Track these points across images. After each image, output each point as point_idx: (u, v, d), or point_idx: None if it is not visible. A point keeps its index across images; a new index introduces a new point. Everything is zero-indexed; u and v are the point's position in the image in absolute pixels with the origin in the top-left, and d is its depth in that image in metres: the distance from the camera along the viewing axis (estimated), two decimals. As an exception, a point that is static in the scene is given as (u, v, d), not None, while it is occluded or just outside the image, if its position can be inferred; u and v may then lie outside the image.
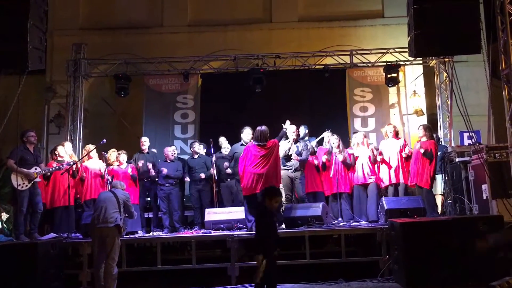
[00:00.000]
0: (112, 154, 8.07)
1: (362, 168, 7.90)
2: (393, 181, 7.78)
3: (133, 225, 7.55)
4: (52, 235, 7.17)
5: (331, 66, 9.95)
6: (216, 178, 8.14)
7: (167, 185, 8.13)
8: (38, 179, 7.01)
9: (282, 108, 9.83)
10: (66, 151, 7.99)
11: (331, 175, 7.97)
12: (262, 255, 4.24)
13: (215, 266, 6.77)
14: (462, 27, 6.02)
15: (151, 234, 7.85)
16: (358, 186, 7.92)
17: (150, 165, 8.26)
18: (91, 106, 11.21)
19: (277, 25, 11.42)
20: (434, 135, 8.45)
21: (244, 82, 9.78)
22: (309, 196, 8.06)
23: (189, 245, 7.48)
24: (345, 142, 8.75)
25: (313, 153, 8.25)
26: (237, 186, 7.98)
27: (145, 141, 8.71)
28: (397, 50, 9.82)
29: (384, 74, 10.02)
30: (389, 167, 7.82)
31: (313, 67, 10.04)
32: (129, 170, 7.96)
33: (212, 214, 7.69)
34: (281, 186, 7.72)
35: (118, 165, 8.06)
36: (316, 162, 8.11)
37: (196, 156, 8.47)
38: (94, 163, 8.01)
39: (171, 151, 8.45)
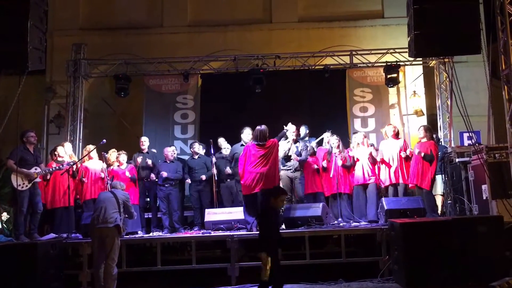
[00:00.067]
0: (112, 154, 8.08)
1: (362, 169, 7.90)
2: (393, 181, 7.78)
3: (133, 225, 7.55)
4: (52, 235, 7.17)
5: (331, 67, 9.95)
6: (216, 178, 8.14)
7: (166, 185, 8.13)
8: (38, 180, 7.01)
9: (282, 108, 9.83)
10: (66, 152, 7.99)
11: (331, 176, 7.97)
12: (266, 253, 4.25)
13: (215, 266, 6.76)
14: (462, 27, 6.03)
15: (151, 234, 7.85)
16: (358, 187, 7.92)
17: (149, 161, 8.27)
18: (91, 106, 11.21)
19: (277, 25, 11.42)
20: (434, 136, 8.45)
21: (244, 82, 9.78)
22: (309, 197, 8.05)
23: (189, 246, 7.49)
24: (345, 142, 8.75)
25: (313, 153, 8.24)
26: (237, 186, 7.98)
27: (145, 141, 8.71)
28: (397, 50, 9.82)
29: (384, 74, 10.02)
30: (389, 167, 7.82)
31: (313, 67, 10.05)
32: (127, 174, 7.91)
33: (212, 215, 7.69)
34: (281, 186, 7.73)
35: (118, 166, 8.06)
36: (316, 166, 8.09)
37: (196, 157, 8.47)
38: (94, 164, 8.01)
39: (170, 151, 8.45)
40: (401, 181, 7.76)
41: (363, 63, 10.04)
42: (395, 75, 9.84)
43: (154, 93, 10.70)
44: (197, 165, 8.36)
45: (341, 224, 7.56)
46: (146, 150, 8.64)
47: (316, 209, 7.32)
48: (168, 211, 8.11)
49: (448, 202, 8.10)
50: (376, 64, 10.07)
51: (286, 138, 7.73)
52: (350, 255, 6.84)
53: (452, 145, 9.41)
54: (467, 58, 9.69)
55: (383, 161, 7.87)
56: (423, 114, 10.83)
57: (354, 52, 10.05)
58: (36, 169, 6.95)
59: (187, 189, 8.63)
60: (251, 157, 7.04)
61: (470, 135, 6.68)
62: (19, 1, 5.75)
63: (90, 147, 8.14)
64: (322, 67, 9.92)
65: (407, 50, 7.25)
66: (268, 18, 11.58)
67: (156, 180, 8.20)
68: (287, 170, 7.75)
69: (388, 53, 9.97)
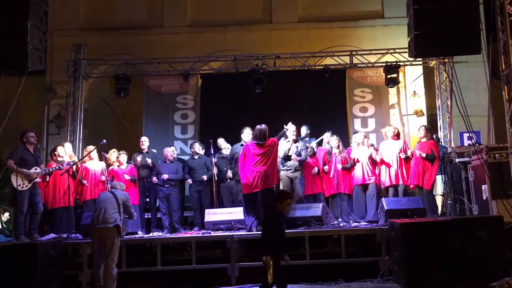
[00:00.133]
0: (112, 154, 8.07)
1: (362, 169, 7.90)
2: (393, 182, 7.78)
3: (133, 225, 7.55)
4: (52, 235, 7.17)
5: (331, 67, 9.95)
6: (216, 178, 8.14)
7: (166, 186, 8.13)
8: (38, 180, 7.01)
9: (282, 108, 9.83)
10: (66, 152, 7.99)
11: (331, 176, 7.98)
12: (270, 256, 4.24)
13: (215, 266, 6.76)
14: (462, 27, 6.03)
15: (151, 234, 7.84)
16: (358, 187, 7.93)
17: (149, 160, 8.27)
18: (91, 106, 11.22)
19: (277, 25, 11.41)
20: (434, 136, 8.46)
21: (244, 82, 9.78)
22: (309, 197, 8.05)
23: (189, 246, 7.49)
24: (345, 142, 8.75)
25: (313, 154, 8.24)
26: (237, 186, 7.98)
27: (145, 141, 8.72)
28: (397, 50, 9.82)
29: (384, 74, 10.02)
30: (389, 167, 7.82)
31: (313, 67, 10.05)
32: (127, 177, 7.89)
33: (212, 215, 7.69)
34: (281, 186, 7.74)
35: (118, 166, 8.06)
36: (316, 169, 8.08)
37: (196, 157, 8.47)
38: (94, 164, 8.01)
39: (170, 151, 8.45)
40: (401, 182, 7.76)
41: (363, 63, 10.04)
42: (395, 75, 9.85)
43: (154, 93, 10.70)
44: (197, 165, 8.35)
45: (341, 224, 7.55)
46: (146, 150, 8.65)
47: (316, 209, 7.33)
48: (168, 211, 8.11)
49: (448, 202, 8.10)
50: (376, 64, 10.07)
51: (286, 137, 7.73)
52: (350, 255, 6.83)
53: (452, 145, 9.41)
54: (467, 58, 9.69)
55: (383, 162, 7.87)
56: (423, 114, 10.83)
57: (354, 52, 10.05)
58: (36, 169, 6.95)
59: (187, 190, 8.63)
60: (251, 156, 7.05)
61: (470, 135, 6.68)
62: (19, 1, 5.75)
63: (91, 147, 8.14)
64: (322, 67, 9.92)
65: (407, 50, 7.25)
66: (268, 18, 11.58)
67: (157, 182, 8.18)
68: (287, 170, 7.75)
69: (388, 53, 9.97)
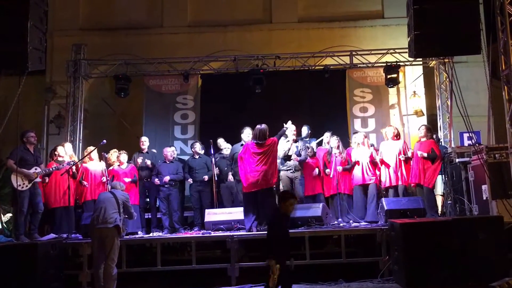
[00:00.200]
0: (113, 154, 8.07)
1: (362, 169, 7.91)
2: (393, 182, 7.78)
3: (133, 226, 7.55)
4: (52, 235, 7.17)
5: (331, 67, 9.95)
6: (216, 179, 8.14)
7: (166, 186, 8.13)
8: (38, 180, 7.01)
9: (282, 108, 9.82)
10: (66, 152, 7.98)
11: (331, 176, 7.98)
12: (275, 260, 4.22)
13: (215, 266, 6.76)
14: (462, 27, 6.03)
15: (151, 234, 7.84)
16: (358, 187, 7.93)
17: (148, 162, 8.27)
18: (91, 106, 11.21)
19: (277, 25, 11.41)
20: (434, 136, 8.46)
21: (244, 82, 9.78)
22: (309, 197, 8.04)
23: (189, 246, 7.49)
24: (345, 142, 8.76)
25: (313, 155, 8.24)
26: (237, 186, 7.98)
27: (145, 141, 8.72)
28: (397, 50, 9.81)
29: (384, 74, 10.02)
30: (388, 167, 7.82)
31: (313, 67, 10.04)
32: (127, 180, 7.85)
33: (212, 215, 7.69)
34: (281, 187, 7.74)
35: (119, 165, 8.06)
36: (317, 171, 8.08)
37: (197, 157, 8.47)
38: (95, 165, 8.01)
39: (170, 151, 8.45)
40: (400, 182, 7.76)
41: (363, 63, 10.03)
42: (395, 75, 9.84)
43: (154, 93, 10.70)
44: (198, 165, 8.36)
45: (341, 224, 7.56)
46: (146, 150, 8.65)
47: (316, 209, 7.33)
48: (168, 211, 8.11)
49: (448, 202, 8.10)
50: (376, 65, 10.07)
51: (286, 137, 7.73)
52: (350, 255, 6.83)
53: (452, 145, 9.40)
54: (467, 58, 9.69)
55: (383, 162, 7.87)
56: (423, 115, 10.83)
57: (354, 52, 10.05)
58: (36, 169, 6.95)
59: (187, 190, 8.63)
60: (251, 156, 7.06)
61: (470, 135, 6.68)
62: (19, 1, 5.75)
63: (91, 148, 8.13)
64: (322, 67, 9.91)
65: (407, 50, 7.25)
66: (268, 18, 11.58)
67: (159, 183, 8.17)
68: (287, 170, 7.74)
69: (388, 53, 9.97)
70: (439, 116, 10.17)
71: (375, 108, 10.55)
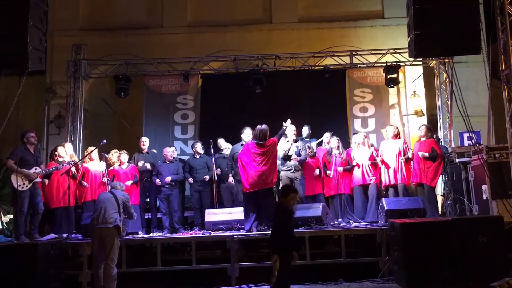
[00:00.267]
0: (114, 154, 8.06)
1: (362, 169, 7.91)
2: (392, 182, 7.79)
3: (133, 226, 7.55)
4: (52, 235, 7.17)
5: (331, 67, 9.95)
6: (216, 179, 8.14)
7: (167, 186, 8.13)
8: (38, 180, 7.01)
9: (282, 108, 9.81)
10: (66, 152, 7.98)
11: (331, 176, 7.98)
12: (277, 254, 4.25)
13: (215, 266, 6.76)
14: (462, 27, 6.03)
15: (151, 234, 7.84)
16: (358, 187, 7.93)
17: (148, 165, 8.27)
18: (91, 106, 11.21)
19: (277, 25, 11.41)
20: (434, 136, 8.46)
21: (244, 82, 9.78)
22: (309, 198, 8.04)
23: (189, 246, 7.48)
24: (345, 142, 8.75)
25: (313, 155, 8.24)
26: (238, 187, 7.97)
27: (145, 141, 8.72)
28: (397, 50, 9.81)
29: (384, 74, 10.02)
30: (388, 168, 7.82)
31: (313, 67, 10.04)
32: (128, 183, 7.80)
33: (212, 215, 7.69)
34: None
35: (119, 165, 8.06)
36: (318, 171, 8.08)
37: (197, 156, 8.47)
38: (95, 165, 8.00)
39: (170, 151, 8.44)
40: (399, 181, 7.76)
41: (363, 63, 10.03)
42: (395, 75, 9.84)
43: (154, 94, 10.70)
44: (198, 165, 8.35)
45: (341, 224, 7.56)
46: (146, 150, 8.65)
47: (316, 209, 7.33)
48: (168, 211, 8.11)
49: (448, 202, 8.10)
50: (376, 65, 10.06)
51: (286, 136, 7.73)
52: (350, 255, 6.83)
53: (452, 145, 9.41)
54: (467, 58, 9.69)
55: (382, 162, 7.87)
56: (423, 115, 10.83)
57: (354, 53, 10.05)
58: (36, 169, 6.96)
59: (188, 190, 8.63)
60: (251, 156, 7.07)
61: (470, 135, 6.68)
62: (19, 1, 5.75)
63: (91, 148, 8.13)
64: (322, 67, 9.91)
65: (407, 50, 7.25)
66: (268, 18, 11.58)
67: (160, 184, 8.17)
68: (287, 170, 7.74)
69: (388, 53, 9.97)
70: (439, 116, 10.17)
71: (375, 108, 10.55)
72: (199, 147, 8.54)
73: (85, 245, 6.64)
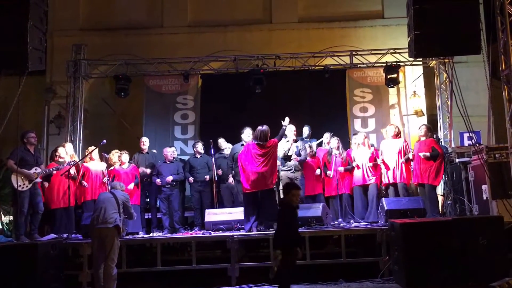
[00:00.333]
0: (114, 155, 8.06)
1: (362, 169, 7.91)
2: (391, 181, 7.79)
3: (133, 226, 7.55)
4: (52, 236, 7.17)
5: (331, 67, 9.95)
6: (216, 179, 8.14)
7: (167, 186, 8.13)
8: (38, 180, 7.01)
9: (282, 108, 9.73)
10: (67, 152, 7.98)
11: (331, 176, 7.98)
12: (279, 251, 4.26)
13: (215, 266, 6.76)
14: (462, 27, 6.03)
15: (151, 234, 7.84)
16: (358, 187, 7.93)
17: (148, 170, 8.27)
18: (91, 106, 11.21)
19: (277, 25, 11.41)
20: (434, 136, 8.46)
21: (244, 82, 9.78)
22: (309, 198, 8.04)
23: (189, 246, 7.48)
24: (345, 143, 8.75)
25: (314, 155, 8.24)
26: (238, 187, 7.97)
27: (145, 141, 8.72)
28: (397, 50, 9.81)
29: (384, 74, 10.02)
30: (387, 169, 7.82)
31: (313, 67, 10.04)
32: (130, 186, 7.80)
33: (212, 215, 7.69)
34: (280, 187, 7.73)
35: (120, 165, 8.05)
36: (318, 171, 8.08)
37: (198, 156, 8.47)
38: (95, 165, 8.00)
39: (170, 152, 8.44)
40: (398, 180, 7.76)
41: (363, 63, 10.03)
42: (395, 75, 9.84)
43: (154, 94, 10.70)
44: (199, 164, 8.36)
45: (341, 224, 7.56)
46: (146, 151, 8.65)
47: (316, 209, 7.33)
48: (168, 211, 8.11)
49: (448, 202, 8.11)
50: (376, 65, 10.07)
51: (286, 136, 7.73)
52: (350, 255, 6.83)
53: (452, 145, 9.42)
54: (467, 58, 9.68)
55: (383, 161, 7.87)
56: (423, 115, 10.82)
57: (354, 53, 10.05)
58: (36, 169, 6.96)
59: (188, 190, 8.63)
60: (252, 156, 7.07)
61: (470, 135, 6.69)
62: (19, 1, 5.75)
63: (91, 148, 8.13)
64: (322, 67, 9.91)
65: (407, 50, 7.25)
66: (268, 18, 11.57)
67: (161, 184, 8.16)
68: (287, 170, 7.73)
69: (388, 53, 9.97)
70: (439, 116, 10.18)
71: (375, 108, 10.55)
72: (200, 147, 8.54)
73: (85, 245, 6.64)
